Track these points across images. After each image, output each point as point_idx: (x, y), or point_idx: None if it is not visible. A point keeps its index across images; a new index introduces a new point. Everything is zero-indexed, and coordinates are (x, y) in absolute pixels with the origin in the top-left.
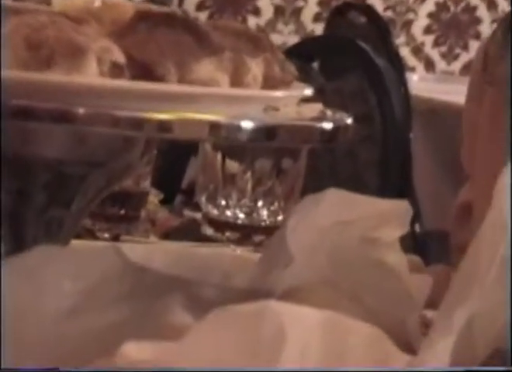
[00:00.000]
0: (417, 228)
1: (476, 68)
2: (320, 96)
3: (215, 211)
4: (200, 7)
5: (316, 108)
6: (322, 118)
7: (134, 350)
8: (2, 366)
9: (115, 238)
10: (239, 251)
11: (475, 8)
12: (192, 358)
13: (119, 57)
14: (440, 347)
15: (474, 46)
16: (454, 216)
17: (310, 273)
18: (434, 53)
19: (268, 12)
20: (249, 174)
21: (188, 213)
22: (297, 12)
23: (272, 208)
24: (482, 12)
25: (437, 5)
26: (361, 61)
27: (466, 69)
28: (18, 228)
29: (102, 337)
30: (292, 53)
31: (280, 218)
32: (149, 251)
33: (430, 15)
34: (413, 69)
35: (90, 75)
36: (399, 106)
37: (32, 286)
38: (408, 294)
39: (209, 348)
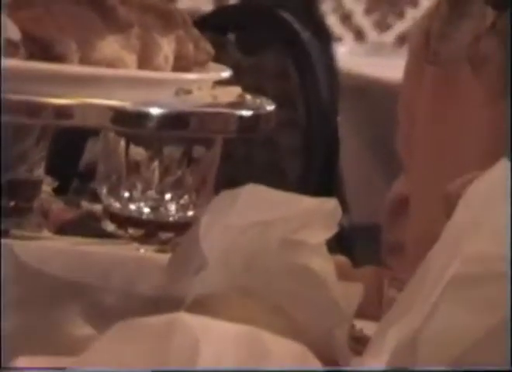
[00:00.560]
0: (345, 222)
1: (415, 45)
2: (236, 73)
3: (117, 205)
4: None
5: (234, 91)
6: (240, 104)
7: (27, 366)
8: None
9: (5, 233)
10: (143, 250)
11: None
12: None
13: (14, 33)
14: (371, 367)
15: (410, 14)
16: (387, 211)
17: (225, 280)
18: (365, 22)
19: None
20: (156, 163)
21: (86, 205)
22: None
23: (182, 201)
24: None
25: None
26: (282, 33)
27: (401, 40)
28: None
29: None
30: (204, 23)
31: (190, 213)
32: (43, 251)
33: None
34: (340, 40)
35: None
36: (325, 85)
37: None
38: (336, 303)
39: (114, 363)
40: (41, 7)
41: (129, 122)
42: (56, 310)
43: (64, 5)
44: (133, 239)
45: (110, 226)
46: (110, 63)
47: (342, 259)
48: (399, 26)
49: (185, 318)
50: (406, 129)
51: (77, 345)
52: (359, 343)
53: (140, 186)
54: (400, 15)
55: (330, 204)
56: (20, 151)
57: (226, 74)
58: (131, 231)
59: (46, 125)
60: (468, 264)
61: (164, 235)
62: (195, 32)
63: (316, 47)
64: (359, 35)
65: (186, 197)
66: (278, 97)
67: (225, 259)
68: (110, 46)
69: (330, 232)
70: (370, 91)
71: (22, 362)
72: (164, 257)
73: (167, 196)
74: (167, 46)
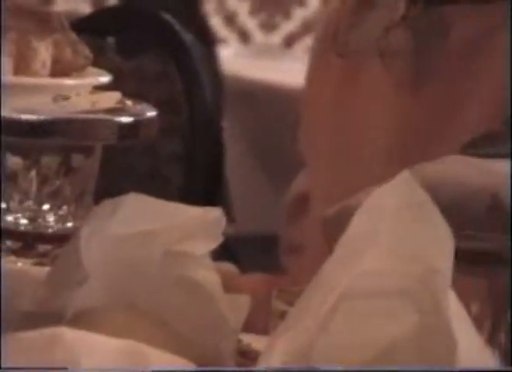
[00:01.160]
0: (231, 231)
1: (321, 36)
2: (116, 79)
3: None
4: None
5: (114, 97)
6: (120, 110)
7: None
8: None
9: None
10: (20, 263)
11: None
12: None
13: None
14: None
15: (297, 14)
16: (286, 210)
17: (107, 293)
18: (250, 23)
19: None
20: (34, 172)
21: None
22: None
23: (60, 212)
24: None
25: None
26: (163, 36)
27: (288, 41)
28: None
29: None
30: (82, 26)
31: (70, 224)
32: None
33: None
34: (224, 42)
35: None
36: (210, 89)
37: None
38: (222, 316)
39: None
40: None
41: (4, 129)
42: None
43: None
44: (11, 251)
45: None
46: None
47: (229, 266)
48: (286, 27)
49: (66, 332)
50: (309, 125)
51: None
52: (246, 357)
53: (17, 197)
54: (287, 15)
55: (214, 213)
56: None
57: (105, 78)
58: (8, 243)
59: None
60: (361, 278)
61: (43, 248)
62: (73, 35)
63: (200, 50)
64: (244, 36)
65: (65, 207)
66: (161, 102)
67: (106, 271)
68: None
69: (215, 242)
70: (257, 94)
71: None
72: (43, 270)
73: (45, 207)
74: (44, 51)
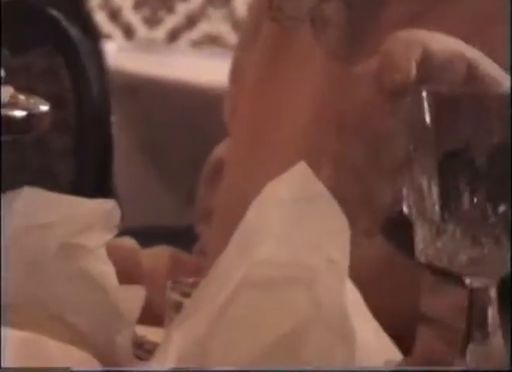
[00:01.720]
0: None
1: (254, 3)
2: (6, 76)
3: None
4: None
5: (6, 91)
6: (13, 104)
7: None
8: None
9: None
10: None
11: None
12: None
13: None
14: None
15: (181, 9)
16: (203, 177)
17: (8, 286)
18: (134, 18)
19: None
20: None
21: None
22: None
23: None
24: None
25: None
26: (50, 31)
27: (172, 36)
28: None
29: None
30: None
31: None
32: None
33: None
34: (109, 37)
35: None
36: (97, 84)
37: None
38: (117, 309)
39: None
40: None
41: None
42: None
43: None
44: None
45: None
46: None
47: (129, 241)
48: (170, 22)
49: None
50: (235, 93)
51: None
52: (142, 349)
53: None
54: (170, 9)
55: (109, 205)
56: None
57: None
58: None
59: None
60: (258, 268)
61: None
62: None
63: (86, 45)
64: (128, 31)
65: None
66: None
67: (5, 265)
68: None
69: (110, 234)
70: (142, 89)
71: None
72: None
73: None
74: None
